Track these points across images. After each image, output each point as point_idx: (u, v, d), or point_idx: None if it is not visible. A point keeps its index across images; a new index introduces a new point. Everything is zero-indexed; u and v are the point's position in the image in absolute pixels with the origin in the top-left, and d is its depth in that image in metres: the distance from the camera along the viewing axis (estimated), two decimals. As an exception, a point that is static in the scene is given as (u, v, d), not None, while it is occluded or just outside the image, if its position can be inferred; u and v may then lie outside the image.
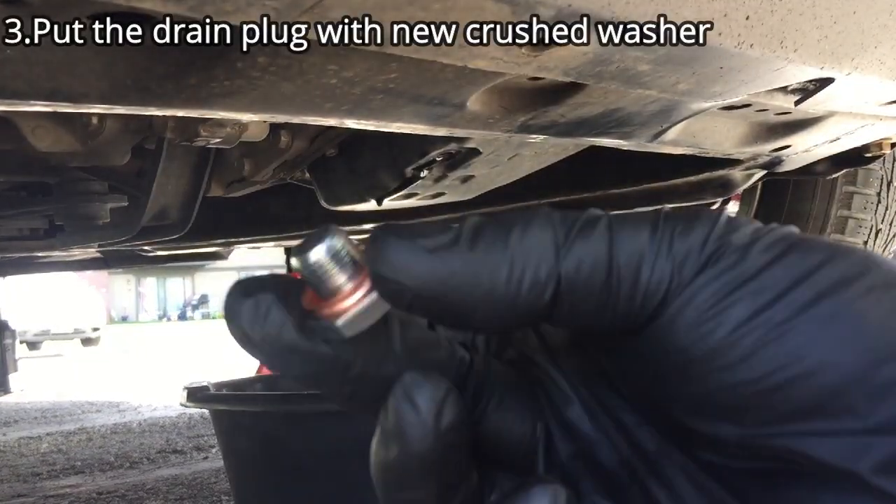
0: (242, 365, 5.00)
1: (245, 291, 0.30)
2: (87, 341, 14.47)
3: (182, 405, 2.06)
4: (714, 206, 1.90)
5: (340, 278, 0.29)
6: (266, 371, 3.76)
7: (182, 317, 36.28)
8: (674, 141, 1.08)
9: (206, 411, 2.79)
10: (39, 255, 2.40)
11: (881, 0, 0.84)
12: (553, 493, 0.30)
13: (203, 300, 37.46)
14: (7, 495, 2.95)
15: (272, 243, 2.31)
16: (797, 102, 0.93)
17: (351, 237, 0.30)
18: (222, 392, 2.12)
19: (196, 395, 2.03)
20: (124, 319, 35.49)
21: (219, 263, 3.45)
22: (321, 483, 1.82)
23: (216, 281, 36.06)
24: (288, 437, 1.85)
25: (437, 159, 1.25)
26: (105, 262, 2.78)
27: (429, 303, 0.29)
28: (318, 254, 0.29)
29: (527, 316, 0.29)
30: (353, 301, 0.29)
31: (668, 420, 0.31)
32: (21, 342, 10.91)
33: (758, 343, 0.28)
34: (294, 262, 0.30)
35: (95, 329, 14.57)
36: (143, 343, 15.19)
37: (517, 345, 0.35)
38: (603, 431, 0.33)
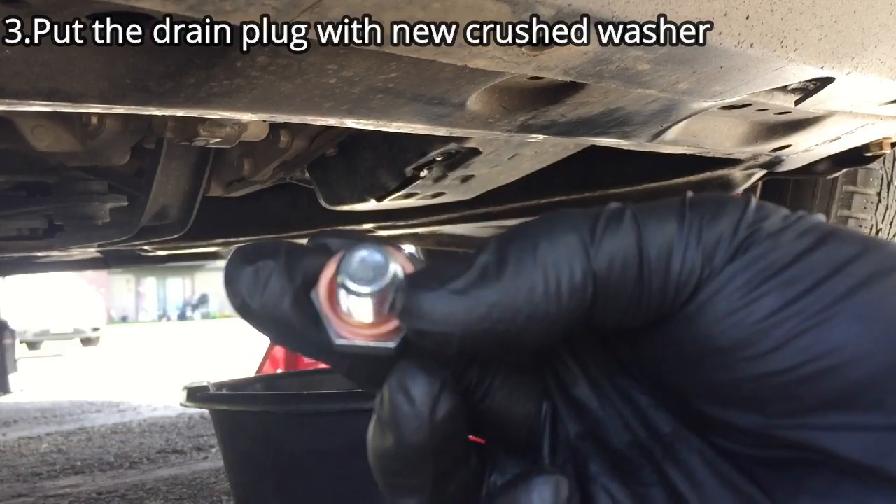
0: (242, 365, 5.00)
1: (246, 258, 0.30)
2: (86, 341, 14.45)
3: (182, 405, 2.06)
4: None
5: (369, 315, 0.29)
6: (266, 371, 3.76)
7: (182, 316, 36.25)
8: (674, 140, 1.08)
9: (205, 411, 2.79)
10: (39, 254, 2.40)
11: (881, -1, 0.84)
12: (555, 484, 0.30)
13: (203, 300, 37.45)
14: (7, 495, 2.95)
15: (272, 243, 2.31)
16: (797, 102, 0.93)
17: (406, 259, 0.29)
18: (222, 392, 2.12)
19: (196, 395, 2.03)
20: (124, 319, 35.45)
21: (219, 263, 3.45)
22: (321, 483, 1.82)
23: (216, 281, 35.97)
24: (288, 437, 1.85)
25: (437, 159, 1.25)
26: (105, 262, 2.77)
27: (476, 342, 0.28)
28: (363, 287, 0.28)
29: (572, 322, 0.29)
30: (362, 334, 0.29)
31: (683, 405, 0.31)
32: (21, 342, 10.90)
33: (790, 333, 0.27)
34: (341, 278, 0.29)
35: (95, 329, 14.54)
36: (143, 343, 15.19)
37: None
38: (614, 412, 0.33)
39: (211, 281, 36.93)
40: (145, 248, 2.22)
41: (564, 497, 0.30)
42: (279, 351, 3.79)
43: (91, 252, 2.44)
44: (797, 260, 0.28)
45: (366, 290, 0.28)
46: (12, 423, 4.92)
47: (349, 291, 0.29)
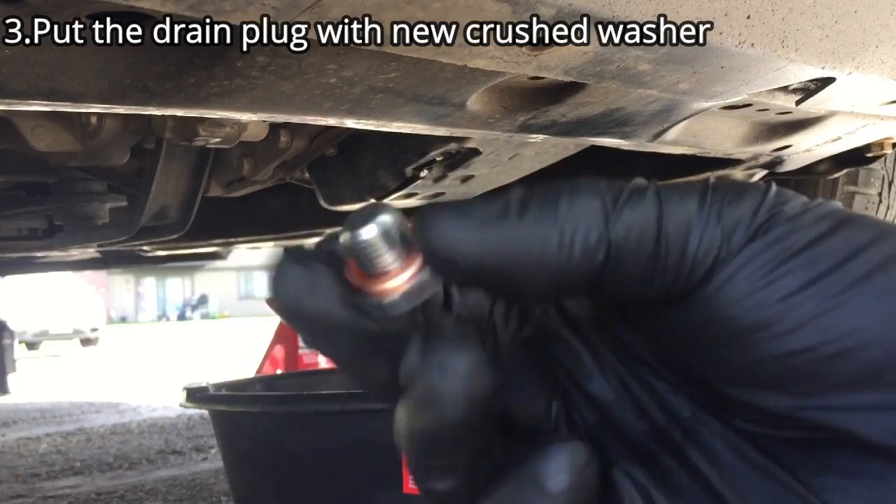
0: (242, 365, 5.00)
1: (296, 260, 0.30)
2: (86, 342, 14.45)
3: (181, 406, 2.06)
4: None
5: (389, 257, 0.29)
6: (266, 371, 3.76)
7: (181, 317, 36.22)
8: (674, 141, 1.08)
9: (205, 412, 2.79)
10: (38, 254, 2.40)
11: (882, -1, 0.84)
12: (572, 450, 0.30)
13: (202, 300, 37.43)
14: (6, 496, 2.95)
15: (272, 243, 2.31)
16: (798, 102, 0.93)
17: (402, 214, 0.30)
18: (222, 392, 2.12)
19: (195, 395, 2.03)
20: (123, 320, 35.43)
21: (218, 263, 3.46)
22: (321, 483, 1.82)
23: (216, 281, 36.06)
24: (288, 438, 1.85)
25: (437, 159, 1.25)
26: (104, 262, 2.78)
27: (482, 274, 0.29)
28: (369, 232, 0.29)
29: (578, 282, 0.29)
30: (401, 281, 0.29)
31: (702, 388, 0.31)
32: (20, 342, 10.90)
33: (810, 313, 0.27)
34: (343, 238, 0.29)
35: (94, 329, 14.53)
36: (142, 343, 15.19)
37: (538, 321, 0.35)
38: (629, 399, 0.33)
39: (211, 281, 36.92)
40: (145, 248, 2.22)
41: (581, 462, 0.30)
42: (279, 351, 3.79)
43: (90, 252, 2.45)
44: (816, 242, 0.28)
45: (364, 232, 0.29)
46: (11, 423, 4.92)
47: (356, 247, 0.29)
